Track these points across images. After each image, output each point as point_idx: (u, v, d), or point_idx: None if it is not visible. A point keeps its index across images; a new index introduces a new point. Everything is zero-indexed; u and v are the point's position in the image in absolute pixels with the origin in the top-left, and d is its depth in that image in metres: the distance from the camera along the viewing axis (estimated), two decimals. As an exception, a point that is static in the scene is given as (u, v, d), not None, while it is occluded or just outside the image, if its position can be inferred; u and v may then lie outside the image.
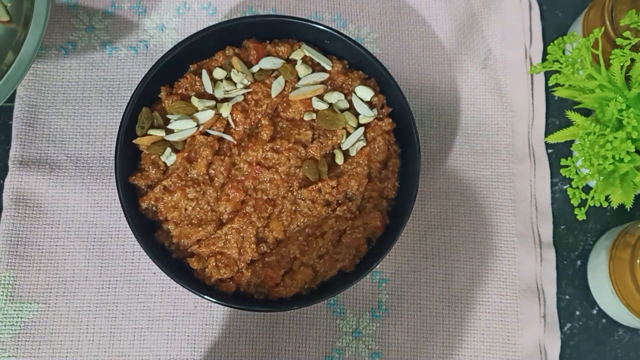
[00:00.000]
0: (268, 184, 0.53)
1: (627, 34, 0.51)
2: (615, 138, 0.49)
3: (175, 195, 0.52)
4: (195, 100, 0.54)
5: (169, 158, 0.53)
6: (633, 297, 0.52)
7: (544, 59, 0.64)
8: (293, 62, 0.56)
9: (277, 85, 0.55)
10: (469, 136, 0.62)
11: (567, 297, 0.59)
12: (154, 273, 0.57)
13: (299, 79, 0.56)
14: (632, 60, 0.51)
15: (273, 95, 0.55)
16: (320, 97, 0.55)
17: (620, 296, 0.53)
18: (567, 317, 0.59)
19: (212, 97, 0.55)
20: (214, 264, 0.51)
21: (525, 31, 0.64)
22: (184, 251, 0.53)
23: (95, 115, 0.60)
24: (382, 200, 0.55)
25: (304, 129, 0.54)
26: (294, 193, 0.53)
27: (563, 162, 0.52)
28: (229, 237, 0.52)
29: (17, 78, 0.52)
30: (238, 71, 0.55)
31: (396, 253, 0.58)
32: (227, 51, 0.56)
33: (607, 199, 0.52)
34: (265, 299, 0.52)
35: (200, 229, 0.52)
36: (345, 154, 0.55)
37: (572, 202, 0.52)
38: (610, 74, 0.52)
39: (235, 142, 0.54)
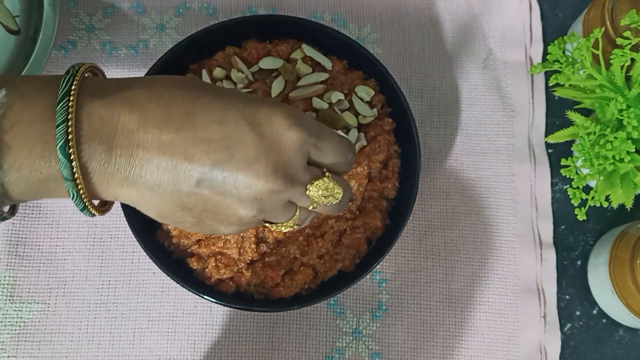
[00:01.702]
0: (268, 184, 0.52)
1: (627, 34, 0.51)
2: (615, 138, 0.49)
3: (175, 195, 0.52)
4: (195, 100, 0.54)
5: (169, 158, 0.53)
6: (633, 297, 0.52)
7: (544, 59, 0.64)
8: (293, 62, 0.56)
9: (277, 85, 0.55)
10: (469, 136, 0.62)
11: (567, 297, 0.59)
12: (154, 273, 0.57)
13: (299, 78, 0.56)
14: (632, 60, 0.51)
15: (273, 95, 0.55)
16: (320, 97, 0.55)
17: (621, 296, 0.53)
18: (567, 317, 0.59)
19: (212, 97, 0.55)
20: (214, 264, 0.51)
21: (525, 31, 0.64)
22: (184, 251, 0.53)
23: (95, 115, 0.60)
24: (382, 200, 0.55)
25: (304, 129, 0.54)
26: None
27: (563, 162, 0.52)
28: (229, 237, 0.52)
29: None
30: (238, 71, 0.55)
31: (396, 253, 0.58)
32: (227, 51, 0.56)
33: (607, 199, 0.52)
34: (265, 299, 0.52)
35: (200, 229, 0.52)
36: (345, 154, 0.55)
37: (572, 202, 0.52)
38: (611, 74, 0.52)
39: (235, 142, 0.54)
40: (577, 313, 0.59)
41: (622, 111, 0.49)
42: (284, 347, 0.56)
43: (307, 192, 0.39)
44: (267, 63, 0.55)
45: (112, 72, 0.61)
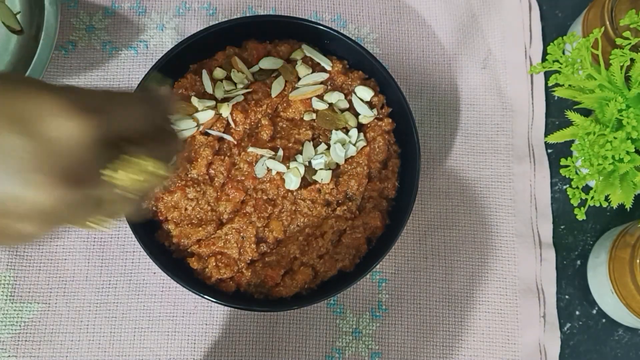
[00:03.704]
0: (268, 184, 0.53)
1: (627, 34, 0.51)
2: (615, 138, 0.49)
3: (175, 195, 0.52)
4: (195, 100, 0.54)
5: (169, 158, 0.53)
6: (633, 297, 0.52)
7: (543, 59, 0.64)
8: (293, 62, 0.56)
9: (277, 85, 0.55)
10: (469, 136, 0.62)
11: (567, 297, 0.59)
12: (154, 273, 0.57)
13: (299, 79, 0.56)
14: (632, 60, 0.51)
15: (273, 95, 0.55)
16: (320, 97, 0.55)
17: (620, 296, 0.53)
18: (567, 317, 0.59)
19: (212, 97, 0.55)
20: (214, 264, 0.51)
21: (525, 31, 0.64)
22: (184, 251, 0.53)
23: (95, 115, 0.60)
24: (382, 200, 0.55)
25: (304, 129, 0.54)
26: (294, 193, 0.53)
27: (563, 162, 0.52)
28: (229, 237, 0.52)
29: None
30: (238, 71, 0.55)
31: (396, 253, 0.58)
32: (227, 51, 0.56)
33: (606, 199, 0.51)
34: (265, 299, 0.52)
35: (200, 229, 0.52)
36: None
37: (572, 202, 0.52)
38: (610, 74, 0.52)
39: (235, 142, 0.54)
40: (577, 313, 0.59)
41: (622, 111, 0.49)
42: (284, 347, 0.56)
43: (116, 182, 0.33)
44: (267, 63, 0.55)
45: (112, 72, 0.61)
